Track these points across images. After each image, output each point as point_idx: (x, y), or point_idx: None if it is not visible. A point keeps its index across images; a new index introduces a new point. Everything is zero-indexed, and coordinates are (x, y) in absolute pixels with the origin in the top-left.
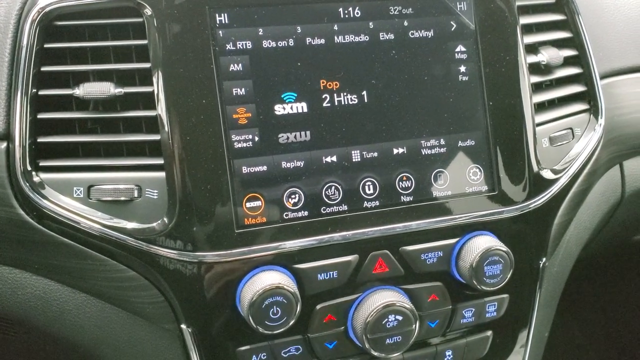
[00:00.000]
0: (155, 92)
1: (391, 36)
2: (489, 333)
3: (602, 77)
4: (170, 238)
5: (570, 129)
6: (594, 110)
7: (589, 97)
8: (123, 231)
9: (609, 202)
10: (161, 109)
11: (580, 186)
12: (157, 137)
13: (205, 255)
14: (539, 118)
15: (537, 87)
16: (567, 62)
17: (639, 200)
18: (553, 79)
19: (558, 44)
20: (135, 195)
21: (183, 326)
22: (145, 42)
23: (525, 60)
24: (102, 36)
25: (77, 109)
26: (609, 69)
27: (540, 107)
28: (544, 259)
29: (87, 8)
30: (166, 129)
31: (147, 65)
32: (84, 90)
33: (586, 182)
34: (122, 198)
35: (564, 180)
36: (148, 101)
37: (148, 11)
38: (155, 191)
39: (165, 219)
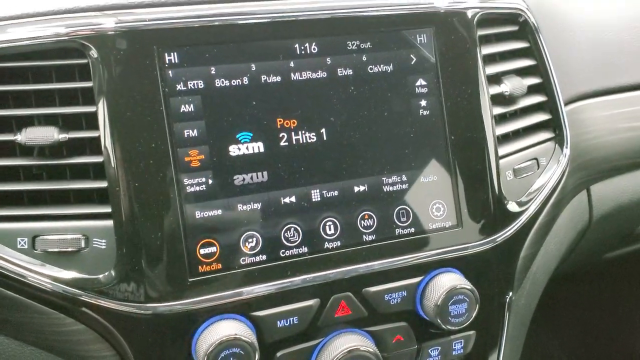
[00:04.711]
0: (101, 137)
1: (349, 72)
2: None
3: (568, 102)
4: (120, 289)
5: (535, 159)
6: (559, 140)
7: (554, 125)
8: (70, 284)
9: (576, 228)
10: (107, 154)
11: (546, 217)
12: (104, 183)
13: (157, 307)
14: (503, 150)
15: (500, 118)
16: (532, 89)
17: (606, 223)
18: (517, 109)
19: (522, 72)
20: (82, 245)
21: None
22: (90, 84)
23: (487, 92)
24: (46, 78)
25: (21, 154)
26: (574, 94)
27: (504, 139)
28: (510, 293)
29: (29, 49)
30: (113, 175)
31: (93, 108)
32: (26, 136)
33: (552, 212)
34: (69, 249)
35: (529, 212)
36: (95, 146)
37: (93, 53)
38: (104, 241)
39: (112, 271)
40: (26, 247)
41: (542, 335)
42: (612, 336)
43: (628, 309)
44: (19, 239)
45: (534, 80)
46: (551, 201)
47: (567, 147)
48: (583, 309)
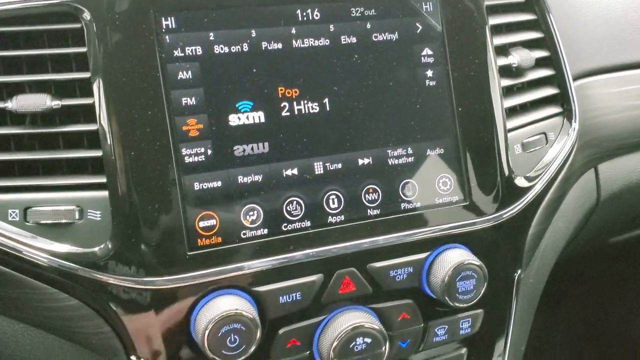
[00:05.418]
0: (96, 104)
1: (353, 40)
2: (464, 350)
3: (575, 79)
4: (116, 263)
5: (544, 133)
6: (567, 114)
7: (562, 100)
8: (64, 257)
9: (584, 207)
10: (102, 122)
11: (555, 193)
12: (99, 153)
13: (155, 281)
14: (511, 123)
15: (508, 91)
16: (539, 63)
17: (614, 203)
18: (524, 82)
19: (529, 44)
20: (76, 217)
21: (132, 358)
22: (84, 49)
23: (495, 62)
24: (38, 44)
25: (12, 123)
26: (581, 70)
27: (512, 112)
28: (519, 271)
29: (20, 13)
30: (108, 143)
31: (87, 75)
32: (17, 103)
33: (561, 188)
34: (63, 220)
35: (538, 187)
36: (89, 114)
37: (87, 16)
38: (98, 212)
39: (109, 243)
40: (17, 219)
41: (545, 321)
42: (616, 322)
43: (633, 296)
44: (9, 211)
45: (541, 54)
46: (560, 177)
47: (575, 122)
48: (587, 295)
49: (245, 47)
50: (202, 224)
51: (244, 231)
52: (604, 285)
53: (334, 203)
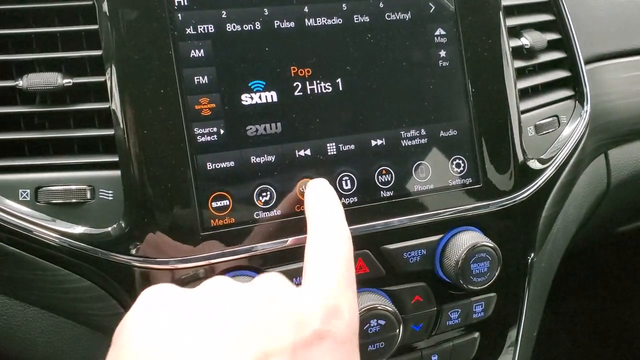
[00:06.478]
0: (108, 82)
1: (366, 19)
2: (477, 334)
3: (586, 63)
4: (128, 243)
5: (556, 116)
6: (579, 97)
7: (574, 83)
8: (75, 237)
9: (594, 192)
10: (114, 101)
11: (567, 176)
12: (111, 132)
13: (168, 261)
14: (523, 105)
15: (519, 73)
16: (550, 46)
17: (623, 190)
18: (536, 64)
19: (539, 27)
20: (88, 196)
21: None
22: (95, 27)
23: (508, 43)
24: (48, 22)
25: (21, 102)
26: (592, 54)
27: (524, 94)
28: (532, 255)
29: None
30: (120, 122)
31: (98, 52)
32: (28, 81)
33: (573, 172)
34: (74, 200)
35: (551, 170)
36: (100, 92)
37: None
38: (110, 192)
39: (121, 223)
40: (28, 198)
41: (549, 318)
42: (622, 320)
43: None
44: (20, 191)
45: (552, 36)
46: (572, 160)
47: (587, 104)
48: (592, 291)
49: (258, 26)
50: (215, 204)
51: (257, 212)
52: (608, 282)
53: (347, 185)
